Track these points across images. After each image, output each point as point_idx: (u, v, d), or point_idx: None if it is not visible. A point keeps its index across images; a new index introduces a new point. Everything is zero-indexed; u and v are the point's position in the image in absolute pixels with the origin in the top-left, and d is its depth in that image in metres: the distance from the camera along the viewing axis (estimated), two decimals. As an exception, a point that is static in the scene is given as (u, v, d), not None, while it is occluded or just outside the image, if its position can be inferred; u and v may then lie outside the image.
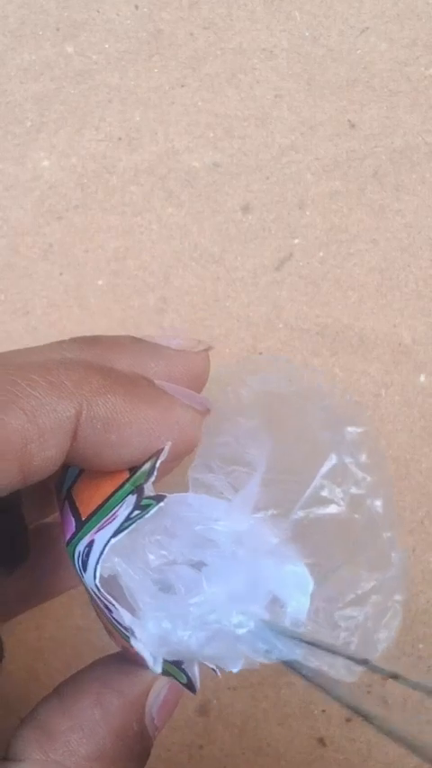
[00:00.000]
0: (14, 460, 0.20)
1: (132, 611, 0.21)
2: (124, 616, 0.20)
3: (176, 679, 0.22)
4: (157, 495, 0.21)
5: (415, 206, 0.32)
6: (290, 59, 0.33)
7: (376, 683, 0.31)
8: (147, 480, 0.21)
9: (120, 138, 0.33)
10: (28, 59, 0.34)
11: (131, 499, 0.21)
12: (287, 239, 0.33)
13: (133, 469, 0.22)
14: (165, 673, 0.21)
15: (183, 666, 0.22)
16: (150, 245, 0.33)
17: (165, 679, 0.22)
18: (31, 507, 0.26)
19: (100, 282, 0.33)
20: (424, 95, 0.32)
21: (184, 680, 0.22)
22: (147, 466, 0.21)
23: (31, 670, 0.32)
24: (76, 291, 0.33)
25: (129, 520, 0.20)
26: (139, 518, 0.20)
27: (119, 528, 0.20)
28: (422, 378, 0.32)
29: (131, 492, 0.21)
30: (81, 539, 0.21)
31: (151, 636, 0.20)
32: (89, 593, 0.21)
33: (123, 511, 0.20)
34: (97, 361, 0.22)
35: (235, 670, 0.22)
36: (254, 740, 0.32)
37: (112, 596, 0.20)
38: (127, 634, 0.20)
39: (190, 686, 0.22)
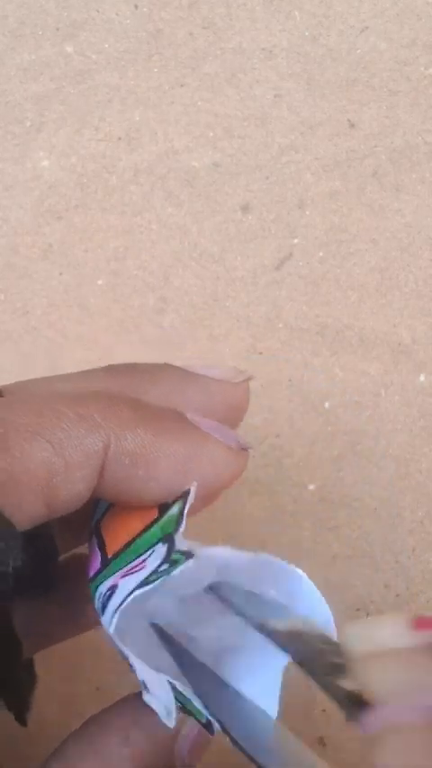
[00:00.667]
0: (39, 494, 0.19)
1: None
2: (137, 670, 0.20)
3: (196, 718, 0.21)
4: (187, 551, 0.20)
5: (415, 206, 0.32)
6: (289, 59, 0.33)
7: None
8: (176, 529, 0.20)
9: (119, 138, 0.33)
10: (28, 59, 0.34)
11: (161, 549, 0.20)
12: (287, 239, 0.33)
13: (162, 507, 0.21)
14: (186, 711, 0.21)
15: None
16: (150, 245, 0.33)
17: (193, 722, 0.22)
18: (66, 534, 0.26)
19: (100, 282, 0.33)
20: (424, 95, 0.32)
21: (204, 719, 0.21)
22: (175, 510, 0.21)
23: (31, 670, 0.32)
24: (75, 291, 0.33)
25: (156, 573, 0.20)
26: (167, 573, 0.19)
27: (145, 580, 0.20)
28: (422, 377, 0.32)
29: (161, 540, 0.20)
30: (104, 579, 0.21)
31: (165, 686, 0.20)
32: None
33: (152, 561, 0.20)
34: (128, 392, 0.22)
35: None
36: (254, 740, 0.32)
37: (126, 646, 0.20)
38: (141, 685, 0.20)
39: (208, 726, 0.22)
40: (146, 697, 0.20)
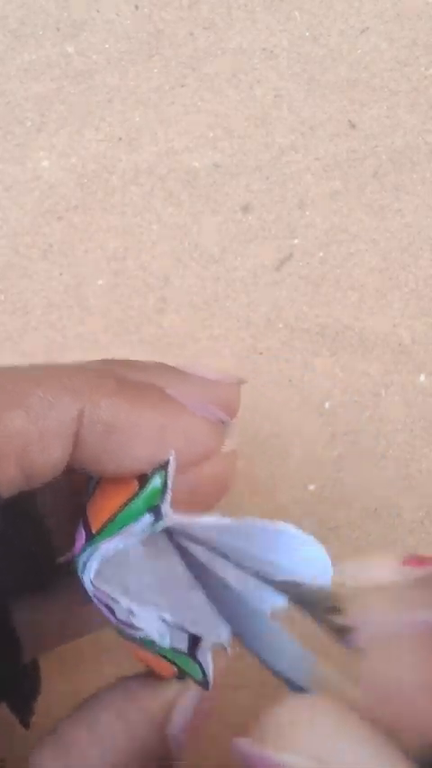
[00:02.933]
0: (14, 460, 0.19)
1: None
2: (121, 599, 0.20)
3: (191, 676, 0.22)
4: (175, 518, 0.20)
5: (415, 206, 0.32)
6: (290, 59, 0.33)
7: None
8: (163, 499, 0.20)
9: (120, 138, 0.33)
10: (28, 59, 0.34)
11: (147, 519, 0.20)
12: (287, 239, 0.33)
13: (142, 479, 0.21)
14: (180, 672, 0.21)
15: (197, 656, 0.22)
16: (150, 245, 0.33)
17: (191, 697, 0.22)
18: (63, 534, 0.26)
19: (100, 282, 0.33)
20: (424, 95, 0.32)
21: (199, 675, 0.22)
22: (157, 482, 0.21)
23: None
24: (76, 291, 0.33)
25: (143, 532, 0.20)
26: (151, 530, 0.20)
27: (128, 536, 0.20)
28: (422, 378, 0.32)
29: (148, 511, 0.21)
30: (87, 550, 0.21)
31: (152, 614, 0.20)
32: (95, 604, 0.21)
33: (137, 528, 0.20)
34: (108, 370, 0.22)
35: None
36: (254, 740, 0.32)
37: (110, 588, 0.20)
38: (132, 632, 0.20)
39: (204, 682, 0.22)
40: (136, 621, 0.20)
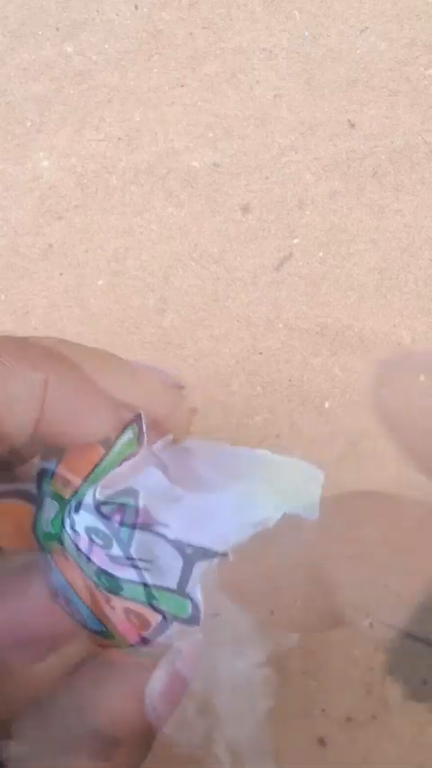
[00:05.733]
0: None
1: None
2: (134, 499, 0.20)
3: (177, 616, 0.22)
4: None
5: (415, 206, 0.32)
6: (290, 59, 0.33)
7: (377, 684, 0.31)
8: (141, 442, 0.21)
9: (120, 139, 0.33)
10: (28, 59, 0.34)
11: (127, 464, 0.21)
12: (287, 239, 0.33)
13: (107, 443, 0.22)
14: (168, 613, 0.22)
15: (187, 590, 0.22)
16: (150, 246, 0.33)
17: (166, 666, 0.22)
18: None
19: (100, 282, 0.33)
20: (423, 95, 0.32)
21: (188, 612, 0.22)
22: (129, 434, 0.22)
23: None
24: (76, 291, 0.33)
25: (130, 458, 0.21)
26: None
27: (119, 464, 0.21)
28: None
29: (125, 459, 0.21)
30: (66, 507, 0.22)
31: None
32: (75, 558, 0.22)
33: (117, 470, 0.21)
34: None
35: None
36: (254, 740, 0.32)
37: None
38: (119, 573, 0.21)
39: (194, 618, 0.22)
40: (154, 513, 0.21)
